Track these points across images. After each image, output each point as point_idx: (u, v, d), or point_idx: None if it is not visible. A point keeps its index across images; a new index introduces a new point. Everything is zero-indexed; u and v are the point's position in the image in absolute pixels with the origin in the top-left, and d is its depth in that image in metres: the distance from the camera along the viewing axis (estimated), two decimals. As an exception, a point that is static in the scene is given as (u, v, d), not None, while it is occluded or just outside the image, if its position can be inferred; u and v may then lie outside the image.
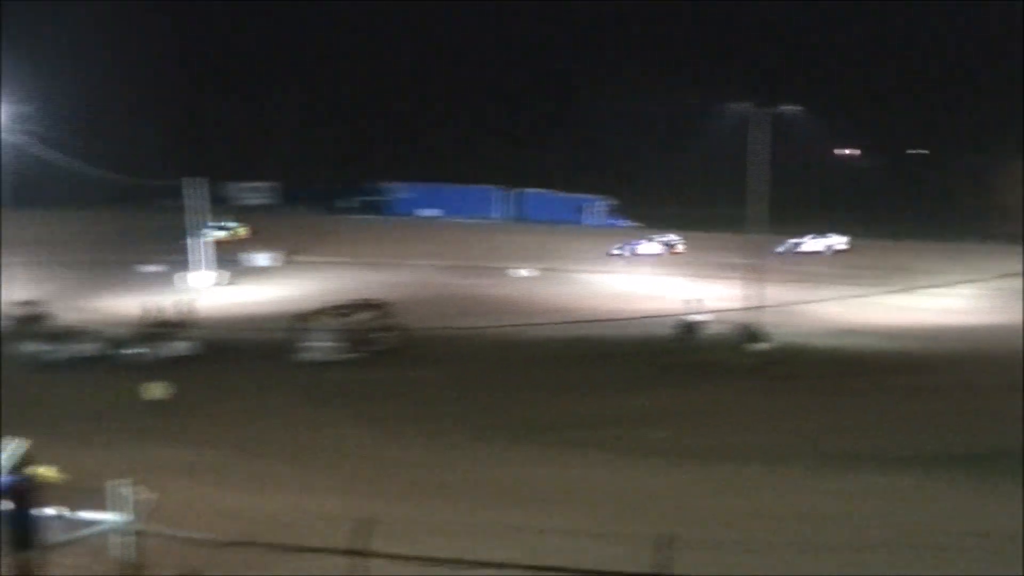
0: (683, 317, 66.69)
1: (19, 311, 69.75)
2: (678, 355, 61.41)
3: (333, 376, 56.92)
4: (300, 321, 62.76)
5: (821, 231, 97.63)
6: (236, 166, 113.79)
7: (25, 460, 18.18)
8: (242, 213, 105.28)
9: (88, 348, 61.51)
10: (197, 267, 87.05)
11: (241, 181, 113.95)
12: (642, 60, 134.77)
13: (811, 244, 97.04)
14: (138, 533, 16.93)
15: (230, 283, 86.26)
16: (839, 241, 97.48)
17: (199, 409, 49.31)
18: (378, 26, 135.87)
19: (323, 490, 36.29)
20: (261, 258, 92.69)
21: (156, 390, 47.43)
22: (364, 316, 63.40)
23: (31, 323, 66.59)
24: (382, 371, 57.88)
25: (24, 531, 17.50)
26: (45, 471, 18.63)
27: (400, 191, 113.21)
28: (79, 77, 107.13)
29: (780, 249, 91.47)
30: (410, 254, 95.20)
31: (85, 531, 17.45)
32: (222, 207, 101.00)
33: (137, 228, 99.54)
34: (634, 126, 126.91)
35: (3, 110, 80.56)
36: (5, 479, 17.79)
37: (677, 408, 50.13)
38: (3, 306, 71.67)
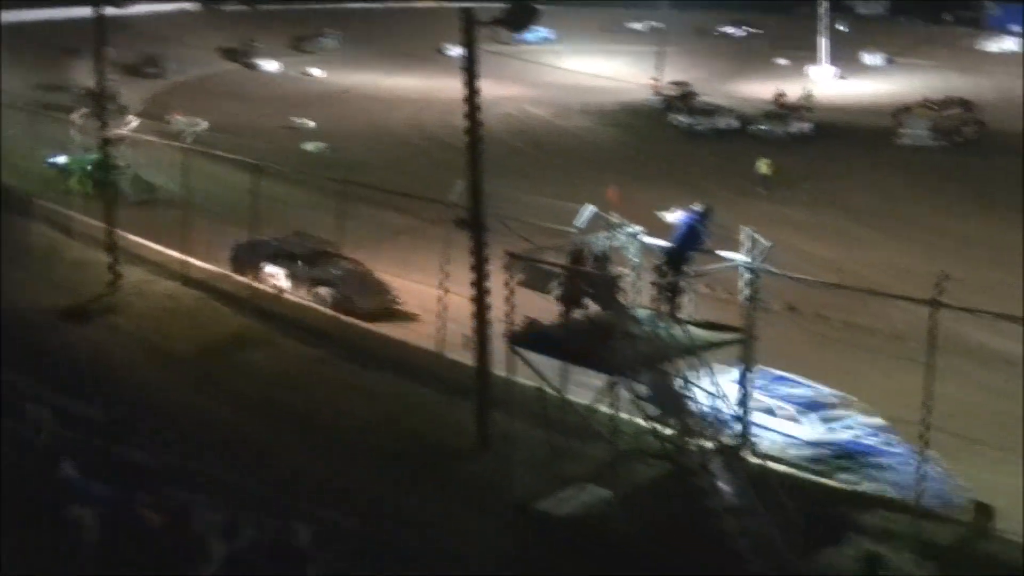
0: None
1: (674, 90, 71.99)
2: None
3: (923, 159, 55.00)
4: (899, 112, 60.72)
5: None
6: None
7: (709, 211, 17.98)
8: (857, 21, 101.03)
9: (725, 123, 62.61)
10: (818, 62, 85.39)
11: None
12: None
13: None
14: (755, 271, 17.45)
15: (843, 77, 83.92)
16: None
17: (810, 178, 49.45)
18: None
19: (902, 251, 35.92)
20: (869, 58, 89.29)
21: (767, 164, 47.57)
22: (953, 111, 60.40)
23: (683, 100, 68.37)
24: (960, 158, 55.13)
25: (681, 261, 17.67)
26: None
27: (992, 9, 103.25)
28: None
29: None
30: (984, 61, 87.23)
31: (722, 264, 18.13)
32: (844, 15, 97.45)
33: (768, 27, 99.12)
34: None
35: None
36: (688, 219, 17.88)
37: None
38: (664, 85, 74.20)
